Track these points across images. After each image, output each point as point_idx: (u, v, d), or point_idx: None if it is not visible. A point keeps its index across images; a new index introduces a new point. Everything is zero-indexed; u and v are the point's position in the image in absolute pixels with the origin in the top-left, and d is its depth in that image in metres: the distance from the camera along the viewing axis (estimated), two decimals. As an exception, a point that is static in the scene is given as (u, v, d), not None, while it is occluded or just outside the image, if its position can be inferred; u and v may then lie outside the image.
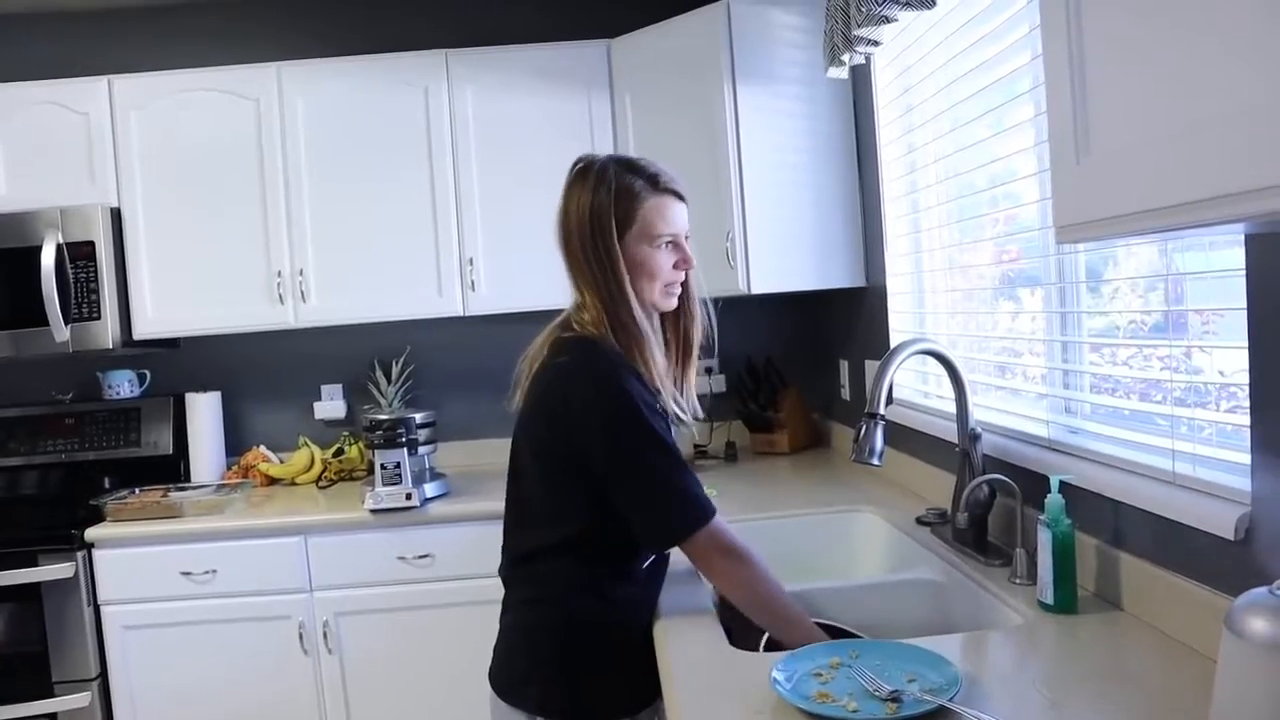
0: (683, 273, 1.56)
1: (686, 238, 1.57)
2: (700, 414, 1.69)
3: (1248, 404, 1.17)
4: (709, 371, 3.40)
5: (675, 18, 2.86)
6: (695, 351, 1.65)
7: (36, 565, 2.62)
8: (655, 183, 1.53)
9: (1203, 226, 0.77)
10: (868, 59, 2.42)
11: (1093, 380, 1.70)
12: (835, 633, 1.52)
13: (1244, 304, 1.16)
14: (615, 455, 1.43)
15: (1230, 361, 1.29)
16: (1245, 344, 1.17)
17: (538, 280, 2.98)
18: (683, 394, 1.62)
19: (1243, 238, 1.15)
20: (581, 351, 1.49)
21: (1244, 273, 1.16)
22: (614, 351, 1.48)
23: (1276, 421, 1.11)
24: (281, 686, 2.71)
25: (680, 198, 1.56)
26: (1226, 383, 1.31)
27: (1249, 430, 1.17)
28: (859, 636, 1.53)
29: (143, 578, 2.68)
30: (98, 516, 2.77)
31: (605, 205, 1.49)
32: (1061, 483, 1.48)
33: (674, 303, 1.59)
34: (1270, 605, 0.87)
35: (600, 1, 3.34)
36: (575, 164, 1.57)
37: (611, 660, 1.53)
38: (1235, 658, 0.88)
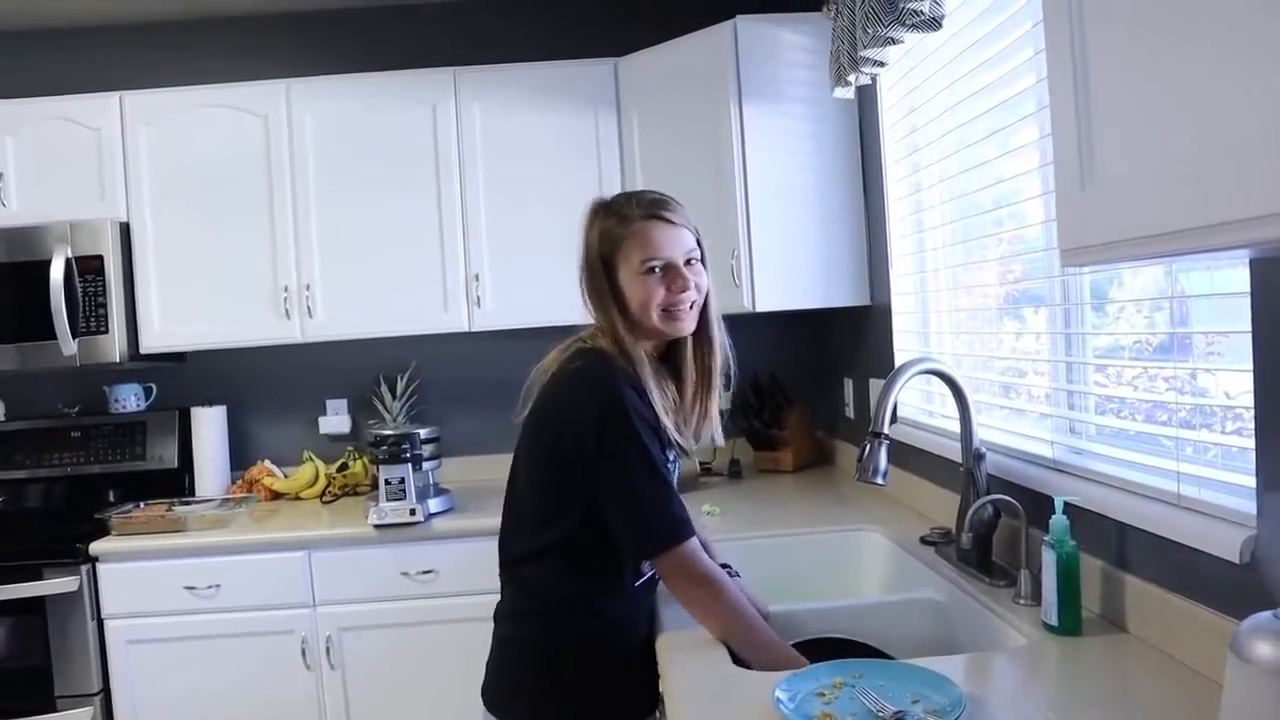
0: (681, 296, 1.54)
1: (689, 262, 1.56)
2: (721, 441, 1.71)
3: (1253, 426, 1.17)
4: (713, 389, 3.40)
5: (682, 37, 2.88)
6: (717, 379, 1.65)
7: (41, 579, 2.62)
8: (637, 211, 1.55)
9: (1208, 252, 0.78)
10: (873, 79, 2.44)
11: (1097, 401, 1.70)
12: (841, 645, 1.51)
13: (1249, 326, 1.17)
14: (602, 459, 1.45)
15: (1235, 383, 1.29)
16: (1250, 366, 1.17)
17: (543, 296, 3.01)
18: (704, 422, 1.64)
19: (1247, 261, 1.15)
20: (592, 358, 1.53)
21: (1249, 295, 1.16)
22: (622, 367, 1.50)
23: (1281, 444, 1.12)
24: (284, 701, 2.70)
25: (667, 221, 1.55)
26: (1231, 405, 1.31)
27: (1254, 453, 1.17)
28: (864, 645, 1.53)
29: (146, 592, 2.68)
30: (102, 530, 2.77)
31: (594, 246, 1.56)
32: (1066, 504, 1.48)
33: (683, 326, 1.57)
34: (1275, 629, 0.87)
35: (607, 20, 3.36)
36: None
37: (600, 676, 1.53)
38: (1241, 682, 0.88)
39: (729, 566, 1.73)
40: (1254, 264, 1.15)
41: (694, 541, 1.46)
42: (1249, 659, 0.87)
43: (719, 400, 1.67)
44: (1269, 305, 1.14)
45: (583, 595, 1.53)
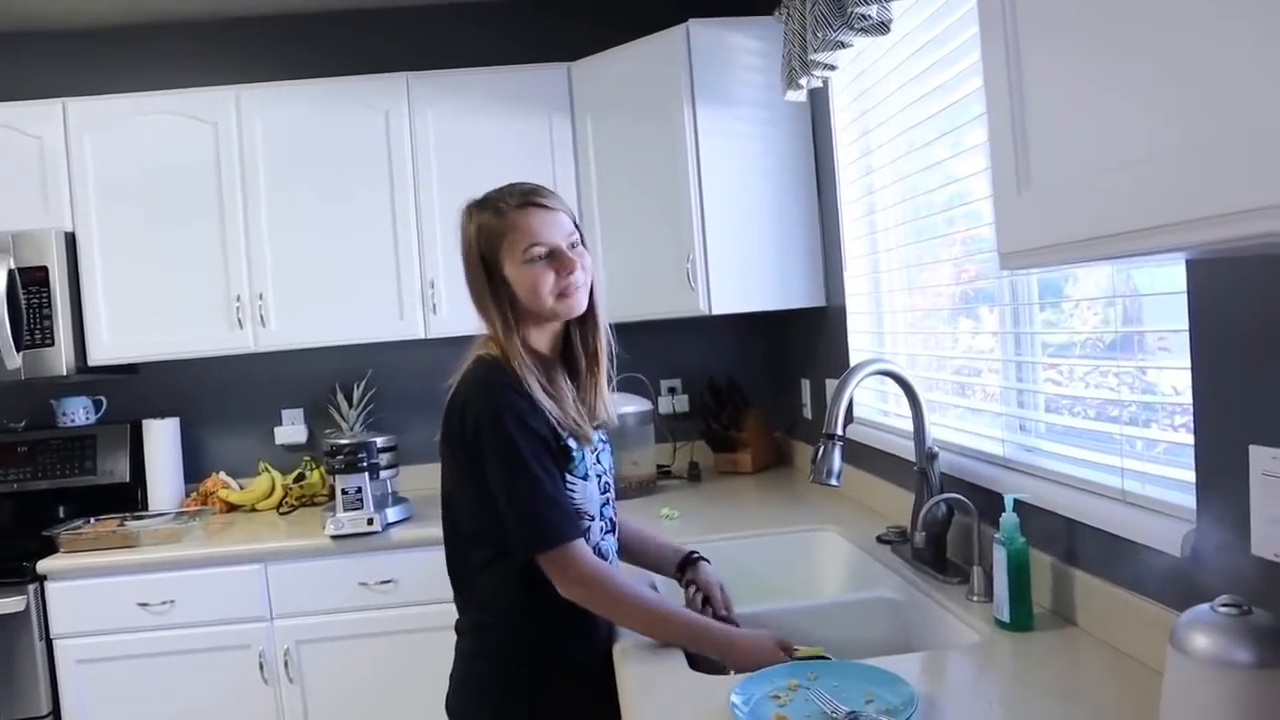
0: (571, 279, 1.52)
1: (573, 245, 1.54)
2: (614, 421, 1.69)
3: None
4: (672, 391, 3.42)
5: (635, 41, 2.89)
6: (603, 359, 1.64)
7: (-13, 599, 2.56)
8: (511, 202, 1.53)
9: (1141, 255, 0.79)
10: (825, 82, 2.46)
11: (1048, 399, 1.73)
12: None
13: (1186, 325, 1.20)
14: (486, 464, 1.47)
15: (1182, 379, 1.31)
16: (1188, 364, 1.20)
17: (500, 302, 3.00)
18: (599, 401, 1.63)
19: (1184, 261, 1.18)
20: (473, 367, 1.55)
21: (1182, 295, 1.19)
22: (499, 369, 1.51)
23: (1217, 440, 1.14)
24: (242, 717, 2.66)
25: (543, 206, 1.53)
26: (1173, 401, 1.34)
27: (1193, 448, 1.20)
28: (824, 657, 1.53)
29: (97, 610, 2.63)
30: (51, 548, 2.71)
31: (473, 243, 1.55)
32: (1016, 501, 1.50)
33: (577, 305, 1.55)
34: (1212, 622, 0.89)
35: (561, 24, 3.36)
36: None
37: (563, 686, 1.53)
38: (1179, 673, 0.90)
39: (695, 552, 1.74)
40: (1190, 264, 1.18)
41: (577, 544, 1.46)
42: (1186, 651, 0.89)
43: (608, 379, 1.66)
44: (1204, 304, 1.16)
45: (538, 604, 1.52)
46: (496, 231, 1.52)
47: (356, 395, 3.20)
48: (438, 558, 2.62)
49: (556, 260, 1.52)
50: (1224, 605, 0.89)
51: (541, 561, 1.46)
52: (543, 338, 1.58)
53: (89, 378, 3.10)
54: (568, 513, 1.49)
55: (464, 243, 1.56)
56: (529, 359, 1.52)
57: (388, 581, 2.68)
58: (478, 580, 1.57)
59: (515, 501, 1.45)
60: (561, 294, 1.52)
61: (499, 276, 1.53)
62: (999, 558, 1.45)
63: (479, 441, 1.47)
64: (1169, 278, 1.29)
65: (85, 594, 2.63)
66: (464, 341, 3.10)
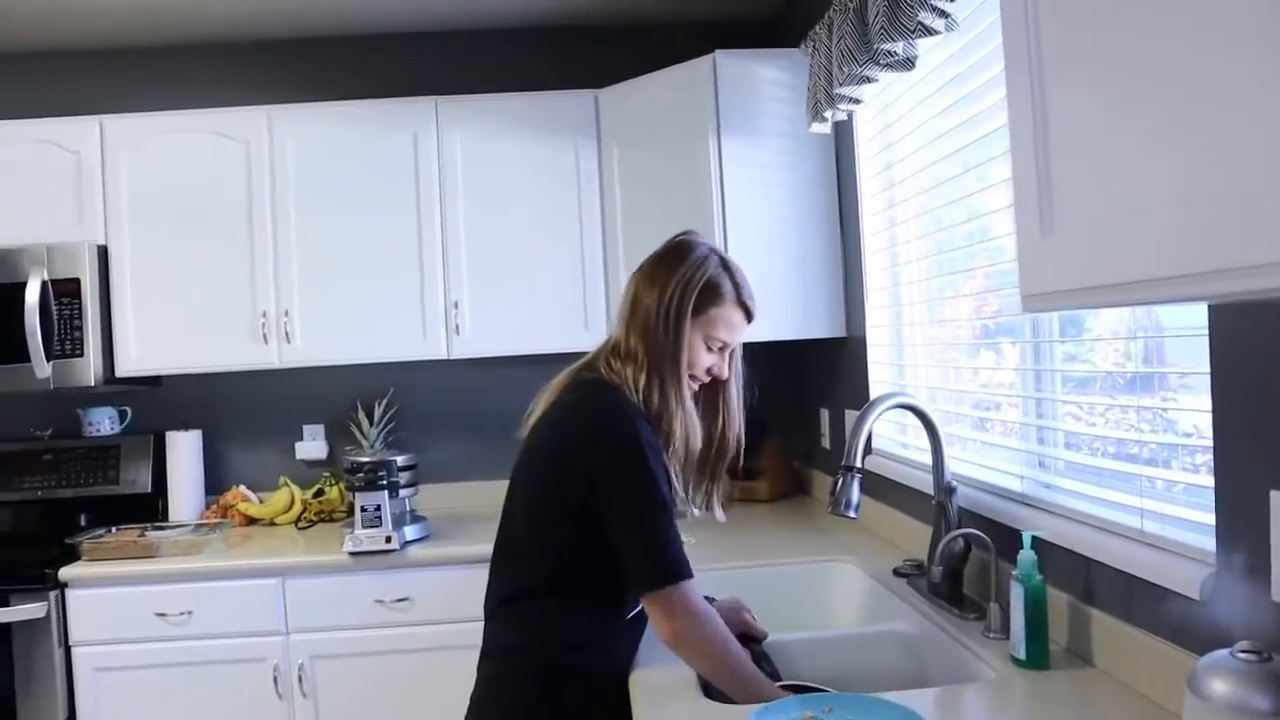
0: (711, 377, 1.65)
1: (734, 352, 1.69)
2: (723, 517, 1.76)
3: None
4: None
5: (662, 70, 2.92)
6: (729, 454, 1.73)
7: (8, 605, 2.58)
8: (738, 294, 1.65)
9: (1166, 302, 0.80)
10: (850, 115, 2.48)
11: (1067, 435, 1.73)
12: (806, 692, 1.52)
13: (1208, 366, 1.20)
14: (615, 488, 1.47)
15: (1205, 419, 1.31)
16: (1209, 406, 1.20)
17: (522, 324, 3.04)
18: (710, 493, 1.72)
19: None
20: (596, 390, 1.57)
21: (1206, 335, 1.20)
22: (627, 400, 1.54)
23: (1238, 483, 1.14)
24: (254, 731, 2.68)
25: (750, 317, 1.68)
26: (1196, 443, 1.33)
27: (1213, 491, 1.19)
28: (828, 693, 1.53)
29: (116, 618, 2.65)
30: (73, 555, 2.74)
31: (692, 288, 1.61)
32: (1034, 538, 1.50)
33: (692, 393, 1.65)
34: (1231, 668, 0.89)
35: (589, 51, 3.40)
36: (679, 236, 1.70)
37: (585, 713, 1.53)
38: (1197, 719, 0.90)
39: (712, 599, 1.74)
40: (1212, 306, 1.18)
41: (692, 582, 1.48)
42: (1205, 696, 0.89)
43: (724, 475, 1.74)
44: (1225, 345, 1.17)
45: (580, 630, 1.53)
46: (714, 302, 1.62)
47: (378, 413, 3.22)
48: (455, 577, 2.67)
49: (718, 359, 1.65)
50: (1244, 651, 0.89)
51: (657, 595, 1.46)
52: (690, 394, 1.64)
53: (115, 388, 3.14)
54: (683, 551, 1.51)
55: (683, 278, 1.61)
56: (677, 406, 1.57)
57: (404, 600, 2.69)
58: (520, 599, 1.56)
59: (657, 532, 1.47)
60: (691, 379, 1.63)
61: (686, 323, 1.59)
62: (1016, 595, 1.45)
63: (617, 469, 1.47)
64: (1193, 314, 1.29)
65: (105, 602, 2.66)
66: (486, 363, 3.13)
